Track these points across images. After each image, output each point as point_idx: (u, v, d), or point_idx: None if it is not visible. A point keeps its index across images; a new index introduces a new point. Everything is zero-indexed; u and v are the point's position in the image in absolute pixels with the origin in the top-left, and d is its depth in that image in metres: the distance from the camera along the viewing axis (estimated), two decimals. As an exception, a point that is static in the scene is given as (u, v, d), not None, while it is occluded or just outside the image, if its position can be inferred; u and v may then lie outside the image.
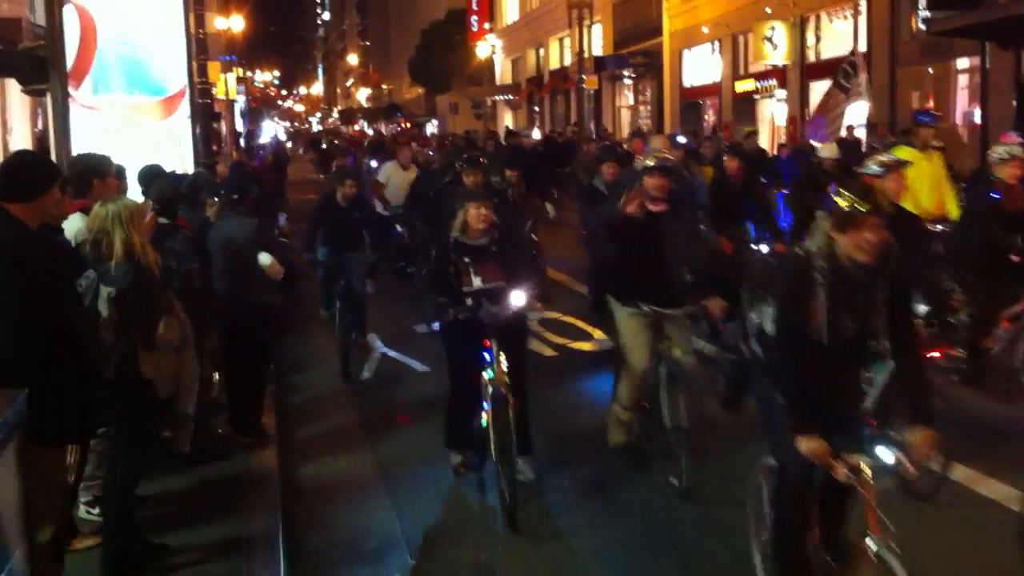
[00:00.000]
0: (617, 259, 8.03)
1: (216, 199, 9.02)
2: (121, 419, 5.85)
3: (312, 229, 12.22)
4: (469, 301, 7.38)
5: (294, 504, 7.34)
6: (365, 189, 16.41)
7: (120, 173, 8.20)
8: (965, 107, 23.70)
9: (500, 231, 7.68)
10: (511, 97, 58.54)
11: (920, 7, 22.26)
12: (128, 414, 5.87)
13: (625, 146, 19.88)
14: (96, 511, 6.50)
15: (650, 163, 7.78)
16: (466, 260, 7.48)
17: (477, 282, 7.45)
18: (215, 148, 29.95)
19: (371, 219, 13.12)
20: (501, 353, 7.35)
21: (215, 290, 8.17)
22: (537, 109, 55.63)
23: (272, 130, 72.72)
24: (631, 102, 44.59)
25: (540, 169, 24.26)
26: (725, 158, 12.48)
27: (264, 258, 8.45)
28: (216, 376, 8.83)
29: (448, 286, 7.47)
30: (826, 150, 13.08)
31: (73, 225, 6.55)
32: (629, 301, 7.86)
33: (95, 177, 7.10)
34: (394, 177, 16.86)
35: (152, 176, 8.68)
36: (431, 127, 64.00)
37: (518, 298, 7.37)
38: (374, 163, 21.07)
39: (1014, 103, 20.37)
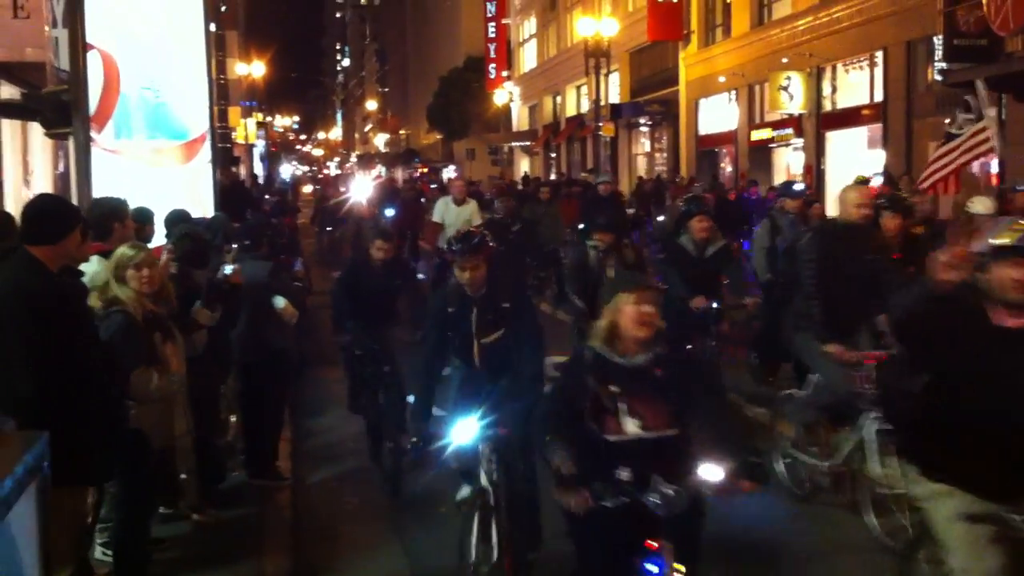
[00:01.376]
0: (932, 393, 4.80)
1: (234, 245, 9.07)
2: (121, 468, 5.88)
3: (340, 304, 9.75)
4: (625, 475, 4.68)
5: (307, 547, 7.34)
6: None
7: (148, 217, 8.30)
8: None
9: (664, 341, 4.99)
10: (528, 144, 58.83)
11: (936, 59, 22.36)
12: (121, 461, 5.88)
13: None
14: (111, 552, 6.52)
15: (1005, 240, 4.65)
16: (613, 390, 4.80)
17: (632, 428, 4.79)
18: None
19: (411, 286, 11.52)
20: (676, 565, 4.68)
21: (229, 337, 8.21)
22: (554, 155, 55.88)
23: (289, 174, 72.96)
24: (647, 149, 44.78)
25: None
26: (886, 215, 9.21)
27: (279, 301, 8.51)
28: (232, 419, 8.87)
29: (578, 437, 4.86)
30: (979, 204, 10.52)
31: (90, 268, 6.61)
32: (959, 483, 4.70)
33: (116, 221, 7.18)
34: (449, 214, 15.53)
35: (175, 221, 8.77)
36: (448, 172, 64.26)
37: (713, 472, 4.70)
38: (389, 212, 20.57)
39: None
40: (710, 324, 10.17)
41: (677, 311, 9.36)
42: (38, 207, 5.70)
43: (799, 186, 12.99)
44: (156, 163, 12.70)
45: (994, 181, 20.66)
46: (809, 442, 8.11)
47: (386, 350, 9.29)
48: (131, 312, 6.02)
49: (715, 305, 10.12)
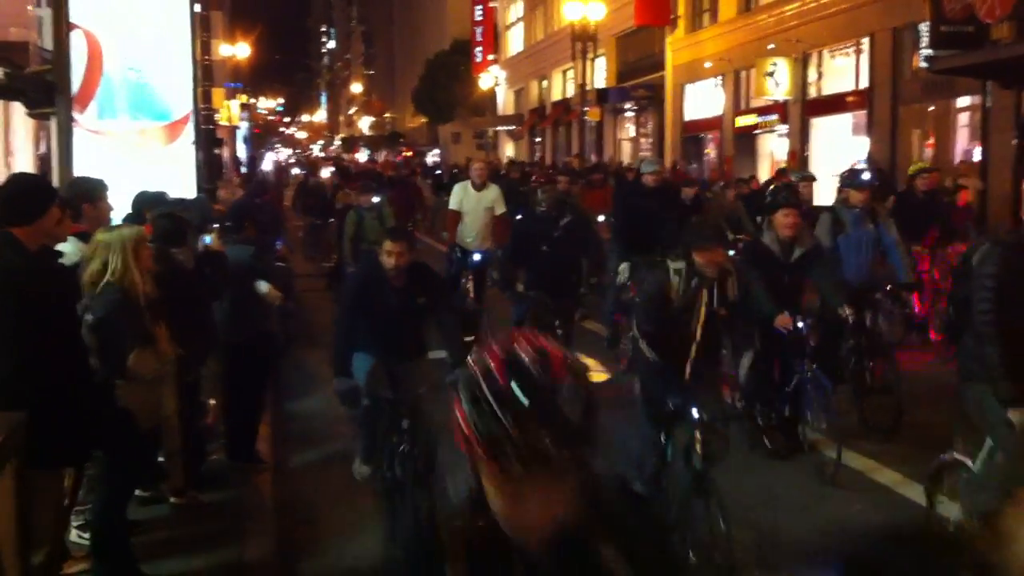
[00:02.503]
0: None
1: (215, 226, 9.03)
2: (101, 447, 5.84)
3: (344, 337, 7.56)
4: None
5: (289, 530, 7.32)
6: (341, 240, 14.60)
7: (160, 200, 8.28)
8: (965, 145, 23.79)
9: None
10: (514, 128, 58.76)
11: (922, 46, 22.39)
12: (107, 443, 5.85)
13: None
14: (87, 535, 6.49)
15: None
16: None
17: None
18: (224, 174, 30.08)
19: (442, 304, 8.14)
20: None
21: (214, 317, 8.18)
22: (539, 140, 55.81)
23: (273, 158, 72.60)
24: (632, 134, 44.76)
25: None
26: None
27: (262, 286, 8.48)
28: (212, 403, 8.84)
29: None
30: None
31: (66, 249, 6.56)
32: None
33: (86, 203, 7.12)
34: (468, 200, 13.73)
35: (149, 202, 8.67)
36: (432, 156, 64.15)
37: None
38: (375, 199, 18.81)
39: (1015, 142, 20.44)
40: (803, 344, 8.44)
41: (763, 332, 8.44)
42: (12, 187, 5.67)
43: (867, 175, 10.46)
44: (139, 144, 12.61)
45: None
46: (988, 536, 5.82)
47: (406, 397, 7.32)
48: (129, 291, 5.97)
49: (801, 325, 8.23)
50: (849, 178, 10.45)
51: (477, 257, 13.61)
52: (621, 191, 15.87)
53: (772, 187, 11.42)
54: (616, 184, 21.35)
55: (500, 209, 13.67)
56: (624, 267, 10.79)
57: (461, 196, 13.67)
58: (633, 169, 27.54)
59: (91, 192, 7.30)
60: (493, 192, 13.84)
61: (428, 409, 7.29)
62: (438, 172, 39.17)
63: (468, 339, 10.73)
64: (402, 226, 13.19)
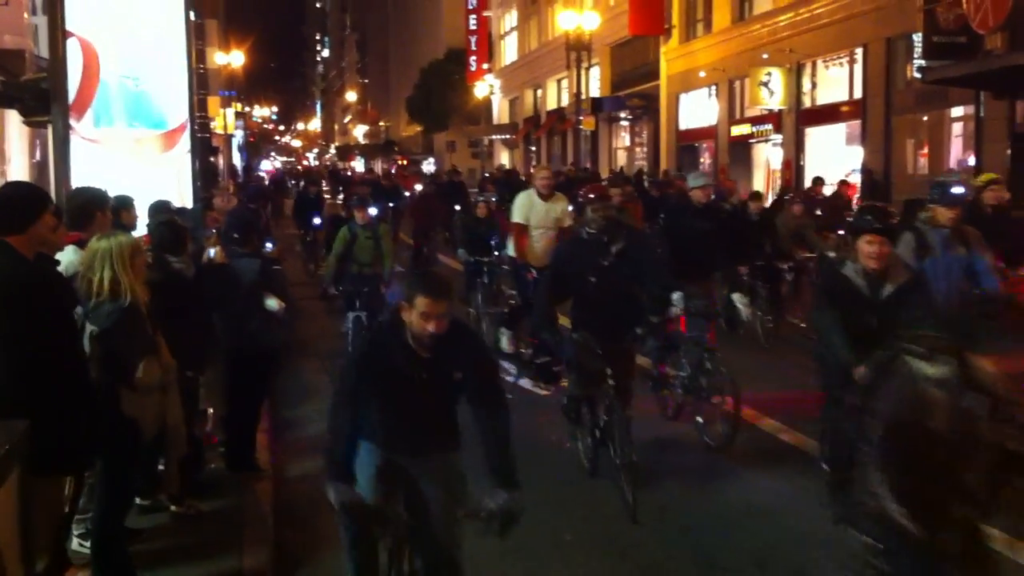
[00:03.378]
0: None
1: (212, 230, 9.03)
2: (104, 456, 5.84)
3: (344, 423, 5.23)
4: None
5: (287, 539, 7.32)
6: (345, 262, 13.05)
7: (128, 204, 8.26)
8: (959, 155, 23.87)
9: None
10: (508, 136, 58.84)
11: (916, 56, 22.49)
12: (110, 451, 5.86)
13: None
14: (88, 544, 6.48)
15: None
16: None
17: None
18: (220, 182, 30.09)
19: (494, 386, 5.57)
20: None
21: (213, 327, 8.19)
22: (534, 149, 55.90)
23: (268, 166, 72.45)
24: (627, 143, 44.85)
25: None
26: None
27: (271, 303, 8.51)
28: (210, 411, 8.84)
29: None
30: None
31: (66, 258, 6.57)
32: None
33: (97, 210, 7.15)
34: (535, 213, 12.24)
35: (157, 211, 8.75)
36: (427, 165, 64.19)
37: None
38: (372, 211, 15.94)
39: (1008, 151, 20.52)
40: None
41: (842, 383, 6.72)
42: (5, 195, 5.65)
43: (958, 188, 8.72)
44: (136, 152, 12.62)
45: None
46: None
47: (424, 508, 5.26)
48: (135, 300, 5.97)
49: None
50: (937, 193, 8.64)
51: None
52: (666, 211, 13.70)
53: (859, 207, 9.09)
54: (644, 200, 20.13)
55: (568, 221, 12.13)
56: (678, 296, 8.64)
57: (527, 208, 12.14)
58: (658, 182, 26.14)
59: (101, 200, 7.32)
60: (561, 204, 12.38)
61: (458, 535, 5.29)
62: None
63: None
64: (447, 284, 12.79)
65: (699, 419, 9.62)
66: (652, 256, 8.77)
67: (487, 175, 42.22)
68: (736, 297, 10.81)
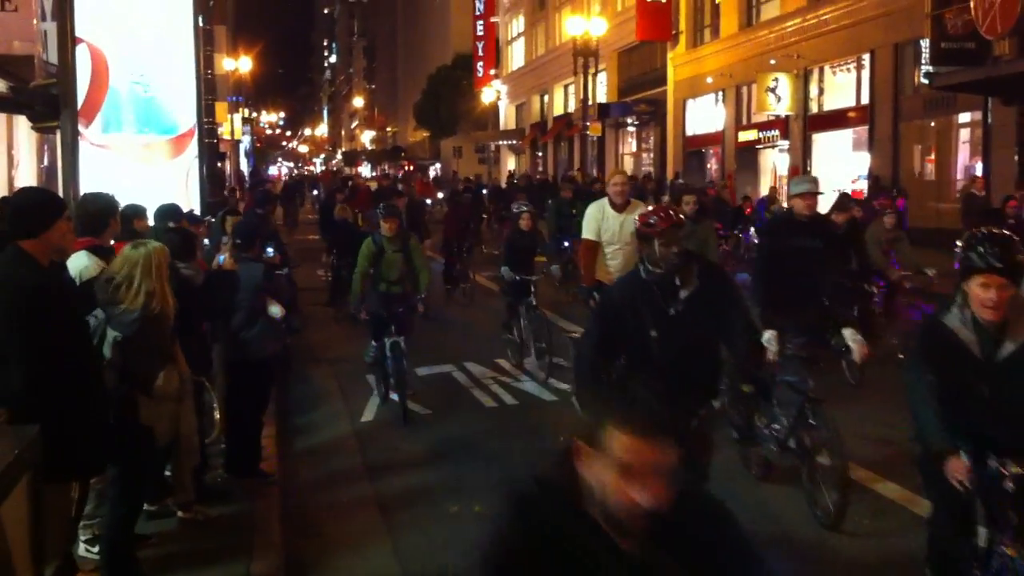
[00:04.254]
0: None
1: (224, 239, 9.05)
2: (120, 463, 5.85)
3: None
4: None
5: (295, 547, 7.31)
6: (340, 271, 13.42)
7: (142, 213, 8.28)
8: (966, 161, 23.84)
9: None
10: (515, 142, 58.87)
11: (923, 62, 22.48)
12: (126, 458, 5.87)
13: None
14: (95, 549, 6.48)
15: None
16: None
17: None
18: (235, 189, 30.06)
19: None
20: None
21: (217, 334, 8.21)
22: (540, 154, 55.92)
23: (275, 172, 72.42)
24: (634, 149, 44.86)
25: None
26: None
27: (274, 309, 8.50)
28: (217, 417, 8.83)
29: None
30: None
31: (79, 263, 6.58)
32: None
33: (111, 217, 7.17)
34: (607, 225, 10.18)
35: (165, 216, 8.75)
36: (434, 170, 64.26)
37: None
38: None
39: (1016, 157, 20.50)
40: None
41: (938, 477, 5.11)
42: (20, 201, 5.68)
43: None
44: (144, 158, 12.69)
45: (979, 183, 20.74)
46: None
47: None
48: (165, 308, 5.99)
49: (1009, 484, 4.90)
50: None
51: None
52: (764, 227, 11.77)
53: (968, 235, 5.32)
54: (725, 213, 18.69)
55: None
56: (770, 336, 7.42)
57: (598, 221, 10.11)
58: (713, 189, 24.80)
59: (114, 207, 7.35)
60: (635, 212, 9.23)
61: None
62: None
63: None
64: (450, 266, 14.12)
65: (807, 483, 7.72)
66: (736, 298, 6.41)
67: (515, 181, 41.76)
68: (848, 333, 7.97)
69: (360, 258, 11.28)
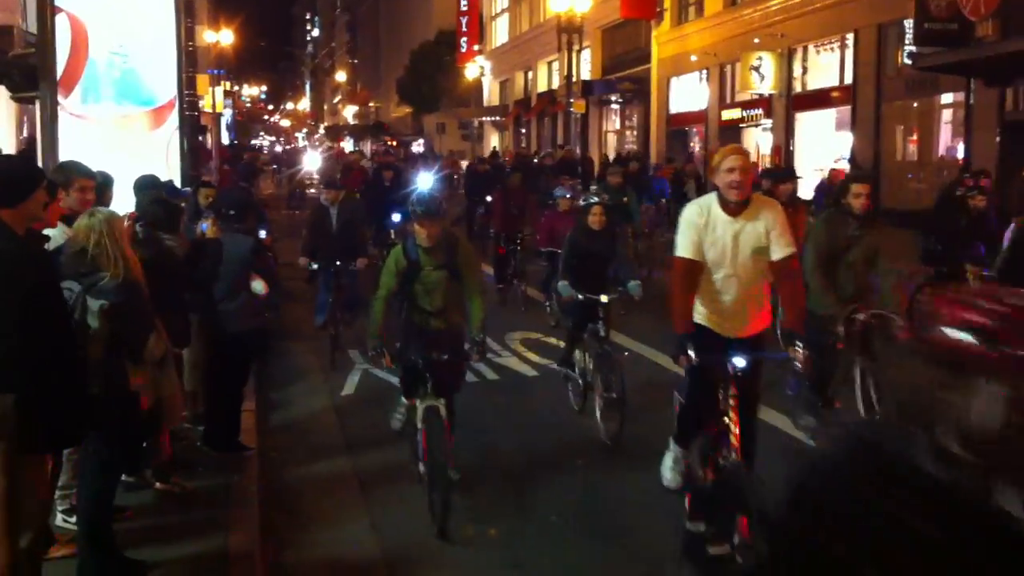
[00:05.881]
0: None
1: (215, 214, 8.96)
2: (106, 432, 5.82)
3: None
4: None
5: (273, 520, 7.31)
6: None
7: (108, 182, 8.20)
8: (948, 142, 23.89)
9: None
10: (499, 119, 58.72)
11: (907, 42, 22.49)
12: (114, 428, 5.85)
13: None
14: (73, 520, 6.46)
15: None
16: None
17: None
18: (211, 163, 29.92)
19: None
20: None
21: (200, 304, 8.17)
22: (524, 131, 55.80)
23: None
24: (617, 127, 44.80)
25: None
26: None
27: (257, 286, 8.46)
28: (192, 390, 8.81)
29: None
30: None
31: (54, 233, 6.53)
32: None
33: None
34: (712, 237, 6.54)
35: (145, 187, 8.68)
36: (417, 146, 64.04)
37: None
38: (395, 216, 16.20)
39: (997, 139, 20.55)
40: None
41: None
42: None
43: None
44: (123, 128, 12.56)
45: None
46: None
47: None
48: (137, 275, 5.97)
49: None
50: None
51: (741, 363, 6.35)
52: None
53: None
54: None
55: (784, 250, 6.55)
56: None
57: (699, 230, 6.56)
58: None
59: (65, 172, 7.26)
60: (767, 218, 6.55)
61: None
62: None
63: None
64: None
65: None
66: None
67: (541, 156, 36.01)
68: None
69: (384, 274, 7.80)
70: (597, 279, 9.73)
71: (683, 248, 6.59)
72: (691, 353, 6.27)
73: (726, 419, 6.31)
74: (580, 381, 9.82)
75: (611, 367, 9.21)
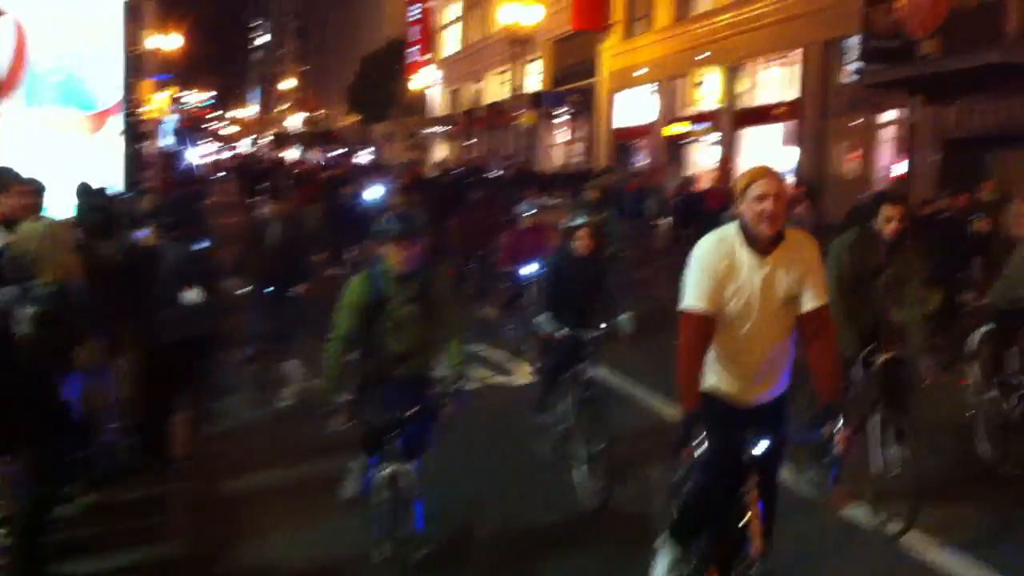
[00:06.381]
0: None
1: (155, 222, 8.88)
2: (39, 443, 5.73)
3: None
4: None
5: (206, 531, 7.23)
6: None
7: (40, 189, 8.09)
8: (890, 159, 24.19)
9: None
10: (448, 128, 58.70)
11: (852, 59, 22.77)
12: (46, 438, 5.75)
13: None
14: (3, 531, 6.34)
15: None
16: None
17: None
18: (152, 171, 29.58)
19: None
20: None
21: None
22: (476, 140, 55.82)
23: (197, 154, 70.01)
24: (568, 139, 44.95)
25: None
26: None
27: (190, 295, 8.36)
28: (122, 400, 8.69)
29: None
30: None
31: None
32: None
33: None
34: (736, 283, 5.00)
35: (83, 193, 8.59)
36: (366, 155, 63.81)
37: None
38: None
39: (938, 157, 20.86)
40: None
41: None
42: None
43: None
44: (64, 131, 12.45)
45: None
46: None
47: None
48: (74, 282, 5.89)
49: None
50: None
51: (763, 448, 5.04)
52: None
53: None
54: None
55: (817, 300, 5.12)
56: None
57: (719, 275, 5.02)
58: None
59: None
60: (806, 258, 5.15)
61: None
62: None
63: None
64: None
65: None
66: None
67: (506, 166, 34.16)
68: None
69: (342, 311, 6.19)
70: (584, 313, 8.31)
71: (696, 298, 4.99)
72: (700, 443, 4.79)
73: (743, 518, 5.08)
74: (560, 429, 8.29)
75: (597, 415, 7.82)
